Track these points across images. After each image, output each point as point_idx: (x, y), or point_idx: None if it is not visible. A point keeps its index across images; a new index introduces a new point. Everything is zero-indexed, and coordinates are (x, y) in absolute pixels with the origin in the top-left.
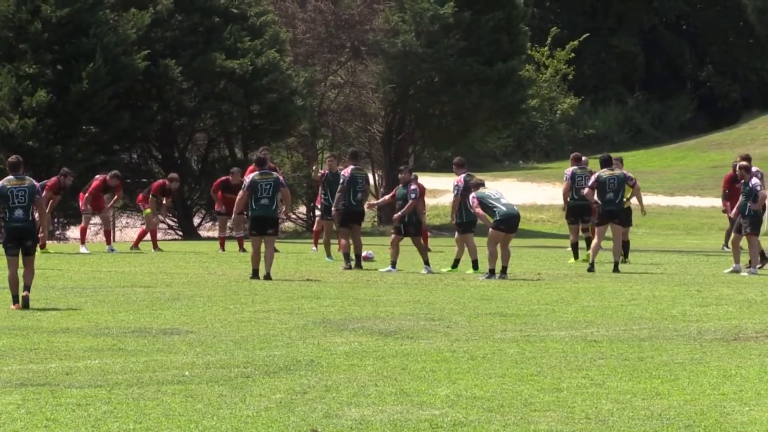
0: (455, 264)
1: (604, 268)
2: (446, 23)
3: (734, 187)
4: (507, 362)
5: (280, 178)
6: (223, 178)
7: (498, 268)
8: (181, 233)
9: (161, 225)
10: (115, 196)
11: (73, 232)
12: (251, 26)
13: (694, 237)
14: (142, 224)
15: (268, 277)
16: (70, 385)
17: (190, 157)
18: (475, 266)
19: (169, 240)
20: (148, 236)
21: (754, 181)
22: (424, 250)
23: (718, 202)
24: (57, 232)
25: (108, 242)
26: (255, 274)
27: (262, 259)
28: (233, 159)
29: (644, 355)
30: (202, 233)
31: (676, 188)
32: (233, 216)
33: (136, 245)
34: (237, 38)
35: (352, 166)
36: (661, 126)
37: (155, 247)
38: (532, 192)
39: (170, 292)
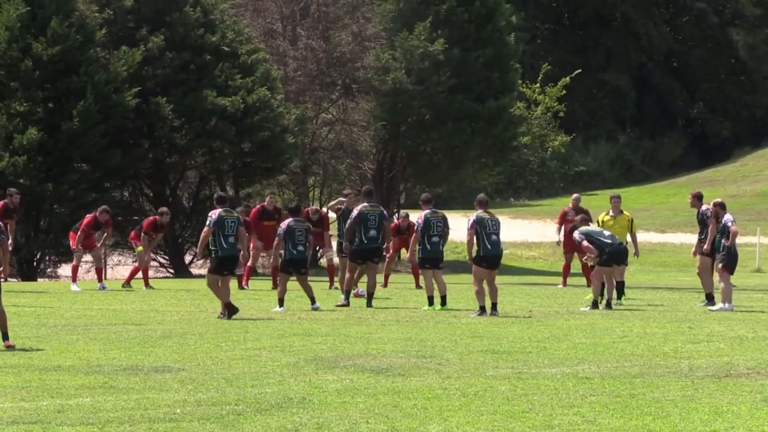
0: (442, 301)
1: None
2: (436, 60)
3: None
4: (498, 399)
5: (242, 217)
6: None
7: (488, 305)
8: (172, 271)
9: (152, 262)
10: (105, 234)
11: (65, 269)
12: (242, 64)
13: (685, 274)
14: (133, 262)
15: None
16: (61, 423)
17: (181, 195)
18: (430, 302)
19: (160, 278)
20: (139, 274)
21: (727, 217)
22: (309, 290)
23: None
24: (48, 270)
25: (99, 280)
26: (232, 309)
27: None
28: None
29: (636, 392)
30: (194, 271)
31: (668, 225)
32: (199, 253)
33: (127, 283)
34: (228, 76)
35: (364, 203)
36: (652, 163)
37: (147, 284)
38: (523, 229)
39: (162, 330)
